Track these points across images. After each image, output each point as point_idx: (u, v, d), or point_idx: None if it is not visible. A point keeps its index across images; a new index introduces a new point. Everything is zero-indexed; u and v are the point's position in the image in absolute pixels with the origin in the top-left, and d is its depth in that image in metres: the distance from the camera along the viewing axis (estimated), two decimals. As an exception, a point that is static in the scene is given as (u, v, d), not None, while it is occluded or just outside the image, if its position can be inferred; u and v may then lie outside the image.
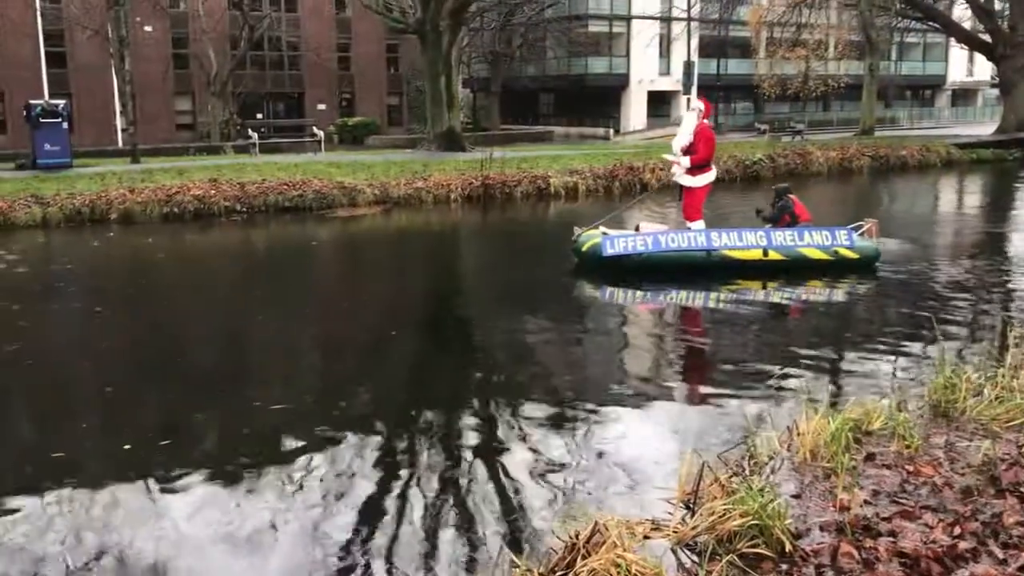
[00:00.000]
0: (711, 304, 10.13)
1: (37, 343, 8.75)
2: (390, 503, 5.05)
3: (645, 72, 49.02)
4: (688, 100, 35.52)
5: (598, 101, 49.48)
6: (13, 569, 4.25)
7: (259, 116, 44.95)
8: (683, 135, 11.45)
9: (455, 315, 10.30)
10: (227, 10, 41.83)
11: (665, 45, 48.75)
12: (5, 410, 6.75)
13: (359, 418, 6.46)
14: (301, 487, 5.21)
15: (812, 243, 11.07)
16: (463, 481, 5.36)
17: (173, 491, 5.17)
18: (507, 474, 5.44)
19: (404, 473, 5.48)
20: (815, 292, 10.57)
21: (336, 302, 11.03)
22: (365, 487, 5.24)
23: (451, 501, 5.08)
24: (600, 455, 5.68)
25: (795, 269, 10.92)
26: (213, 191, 17.72)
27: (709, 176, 11.55)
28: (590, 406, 6.59)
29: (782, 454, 5.06)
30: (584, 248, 11.19)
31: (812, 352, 7.98)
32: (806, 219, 11.62)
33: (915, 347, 7.93)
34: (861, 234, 11.50)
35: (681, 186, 11.62)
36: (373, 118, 45.49)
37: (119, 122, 34.38)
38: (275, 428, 6.21)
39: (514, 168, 21.19)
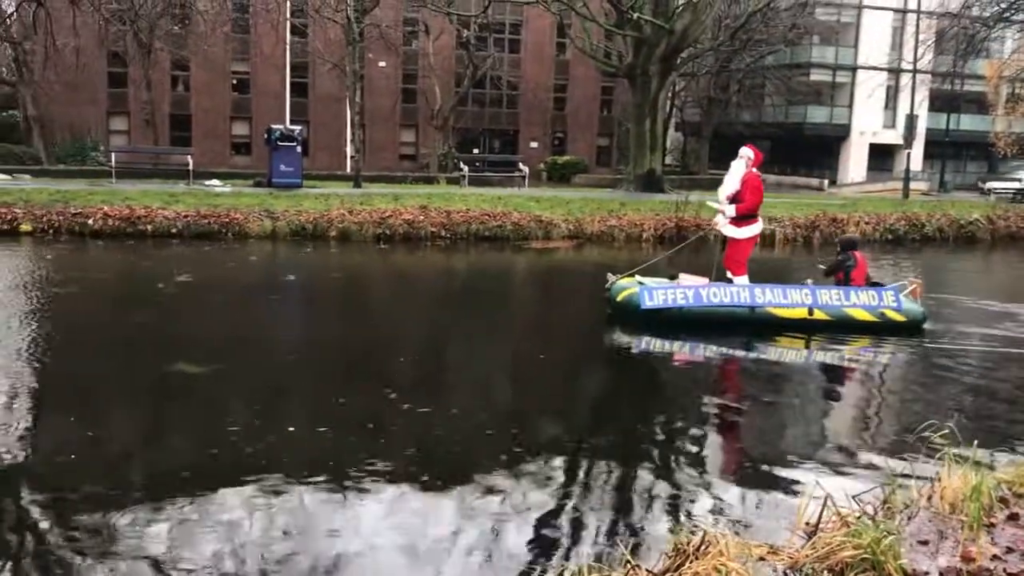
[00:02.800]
0: (838, 360, 9.97)
1: (262, 337, 9.90)
2: (545, 507, 5.42)
3: (868, 124, 47.24)
4: (908, 155, 33.99)
5: (815, 151, 48.13)
6: (207, 549, 4.71)
7: (475, 150, 47.10)
8: (730, 183, 10.85)
9: (625, 344, 10.57)
10: (454, 49, 44.30)
11: (891, 97, 46.84)
12: (214, 397, 7.73)
13: (531, 431, 6.95)
14: (481, 498, 5.51)
15: (859, 303, 10.56)
16: (610, 493, 5.72)
17: (362, 492, 5.54)
18: (647, 492, 5.74)
19: (562, 482, 5.86)
20: (942, 350, 10.05)
21: (522, 324, 11.65)
22: (529, 491, 5.63)
23: (595, 508, 5.46)
24: (737, 485, 5.85)
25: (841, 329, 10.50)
26: (422, 217, 18.99)
27: (755, 228, 11.01)
28: (735, 441, 6.75)
29: (919, 503, 5.04)
30: (619, 298, 10.68)
31: (959, 409, 7.71)
32: (860, 282, 10.98)
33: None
34: (905, 295, 10.88)
35: (725, 236, 11.13)
36: (582, 157, 46.50)
37: (349, 149, 37.17)
38: (458, 438, 6.67)
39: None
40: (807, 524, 4.72)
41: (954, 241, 21.72)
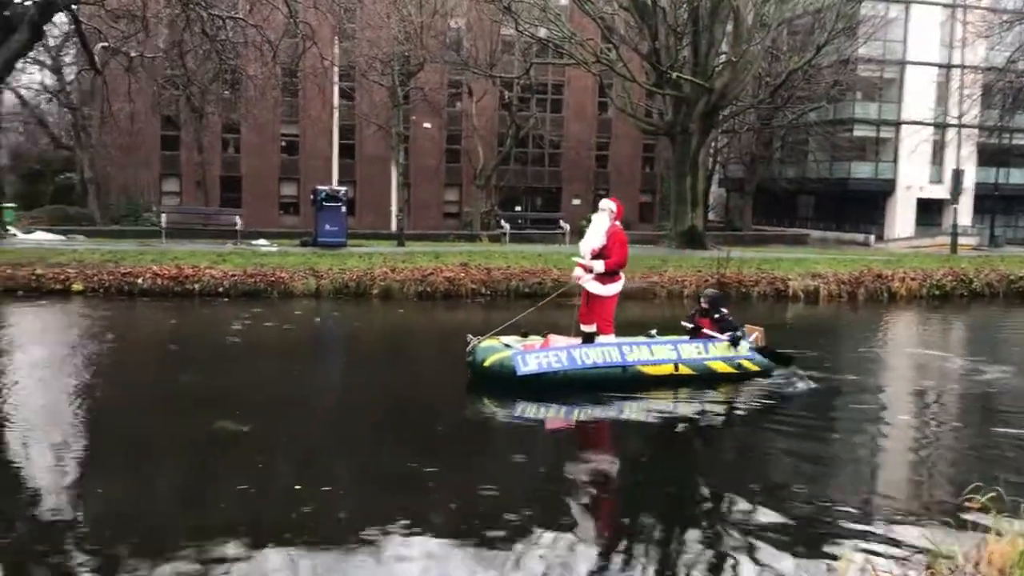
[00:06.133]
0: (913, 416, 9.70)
1: (302, 395, 10.00)
2: (584, 568, 5.37)
3: (914, 179, 46.89)
4: (955, 210, 33.57)
5: (861, 206, 47.82)
6: None
7: (518, 208, 47.54)
8: (594, 237, 10.27)
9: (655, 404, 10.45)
10: (497, 110, 45.02)
11: (937, 152, 46.49)
12: (256, 455, 7.79)
13: (569, 491, 6.88)
14: (522, 557, 5.45)
15: (717, 355, 10.56)
16: (651, 556, 5.64)
17: (403, 550, 5.50)
18: (687, 553, 5.66)
19: (604, 543, 5.82)
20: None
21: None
22: (568, 554, 5.55)
23: (637, 571, 5.37)
24: (775, 547, 5.71)
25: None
26: (463, 274, 19.12)
27: (619, 284, 10.46)
28: (772, 500, 6.61)
29: (965, 568, 4.89)
30: (486, 363, 9.85)
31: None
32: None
33: None
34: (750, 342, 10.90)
35: (587, 293, 10.47)
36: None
37: (394, 208, 37.75)
38: (496, 497, 6.67)
39: (753, 269, 21.11)
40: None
41: (1005, 297, 21.23)
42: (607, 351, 10.13)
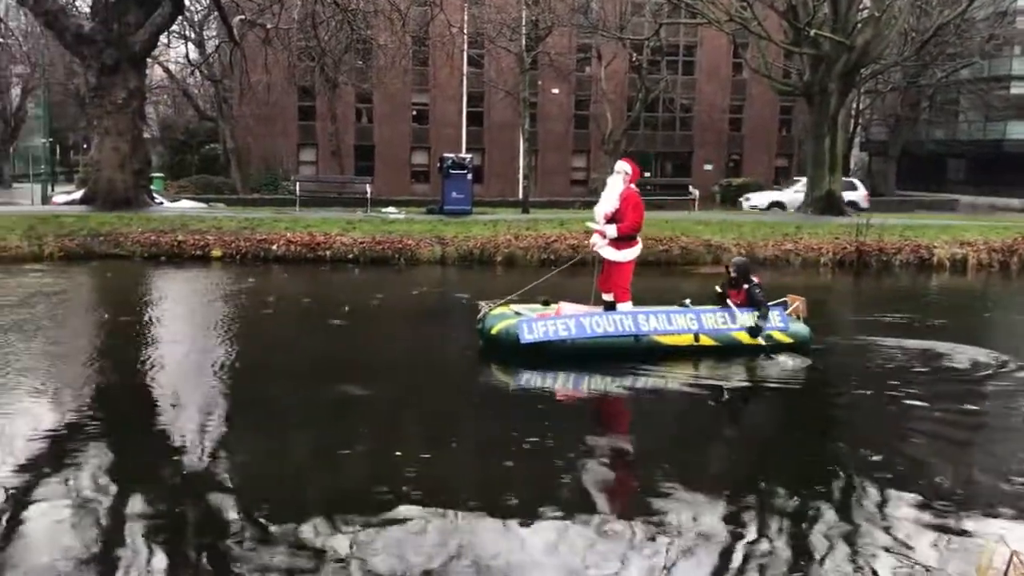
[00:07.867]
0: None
1: (424, 361, 10.11)
2: (714, 542, 5.20)
3: (1079, 139, 43.51)
4: None
5: (1018, 169, 44.71)
6: (382, 566, 4.78)
7: (647, 174, 46.76)
8: (608, 201, 9.78)
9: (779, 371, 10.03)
10: (627, 74, 44.25)
11: (1107, 109, 42.94)
12: (379, 418, 7.89)
13: (694, 463, 6.72)
14: (649, 537, 5.27)
15: (745, 326, 9.79)
16: (786, 528, 5.46)
17: (527, 522, 5.40)
18: (818, 531, 5.40)
19: (735, 513, 5.58)
20: None
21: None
22: (696, 526, 5.39)
23: (768, 543, 5.20)
24: (915, 526, 5.37)
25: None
26: (587, 241, 18.86)
27: (636, 250, 9.92)
28: (913, 478, 6.20)
29: None
30: (494, 331, 9.66)
31: None
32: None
33: None
34: (788, 314, 10.08)
35: (602, 259, 10.01)
36: (758, 179, 45.18)
37: (521, 175, 37.81)
38: (625, 467, 6.60)
39: (895, 236, 20.00)
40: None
41: None
42: (619, 319, 9.75)
